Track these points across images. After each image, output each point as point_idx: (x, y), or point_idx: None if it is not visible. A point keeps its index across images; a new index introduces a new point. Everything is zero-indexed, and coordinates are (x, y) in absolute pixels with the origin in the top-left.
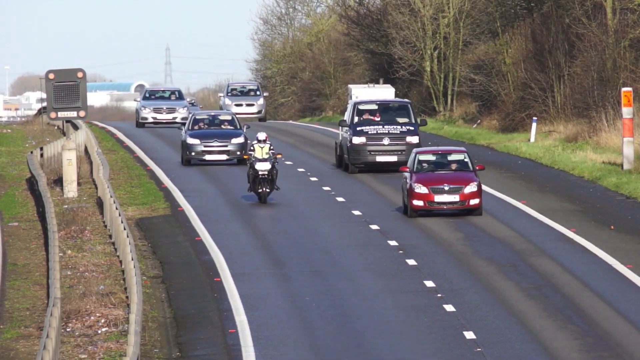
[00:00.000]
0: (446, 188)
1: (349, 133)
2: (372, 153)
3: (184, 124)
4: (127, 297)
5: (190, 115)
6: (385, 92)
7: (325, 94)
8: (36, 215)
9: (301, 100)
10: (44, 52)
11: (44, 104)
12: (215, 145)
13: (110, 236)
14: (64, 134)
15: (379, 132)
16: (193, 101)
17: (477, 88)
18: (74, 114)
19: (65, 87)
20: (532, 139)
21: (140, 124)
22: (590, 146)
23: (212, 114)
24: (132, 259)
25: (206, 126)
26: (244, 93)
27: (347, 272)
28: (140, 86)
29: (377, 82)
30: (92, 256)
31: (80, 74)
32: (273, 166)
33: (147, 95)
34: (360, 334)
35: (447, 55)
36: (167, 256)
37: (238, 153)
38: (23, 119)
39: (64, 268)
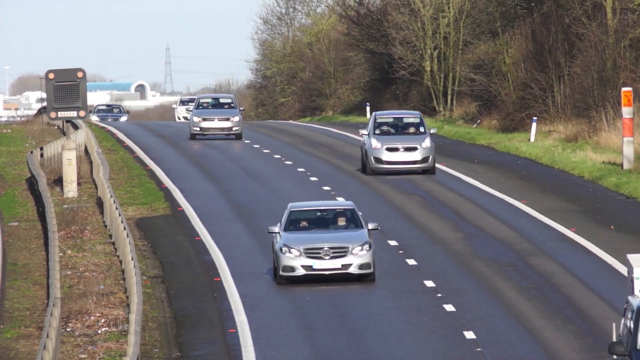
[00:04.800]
0: None
1: None
2: None
3: None
4: (127, 297)
5: None
6: None
7: (325, 94)
8: (36, 215)
9: (301, 100)
10: (44, 52)
11: (44, 103)
12: None
13: (110, 236)
14: (64, 133)
15: None
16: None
17: (477, 88)
18: (74, 114)
19: (65, 87)
20: (532, 139)
21: (285, 278)
22: (590, 146)
23: None
24: (132, 259)
25: None
26: (401, 129)
27: None
28: (141, 86)
29: None
30: (92, 256)
31: (80, 74)
32: None
33: (293, 219)
34: (360, 334)
35: (447, 55)
36: (167, 256)
37: None
38: (23, 119)
39: (64, 268)
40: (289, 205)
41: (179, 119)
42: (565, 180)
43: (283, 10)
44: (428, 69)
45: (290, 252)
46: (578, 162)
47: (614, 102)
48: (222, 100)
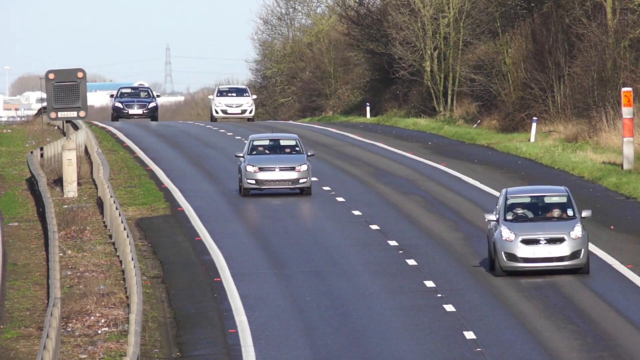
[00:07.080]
0: None
1: None
2: None
3: None
4: (127, 297)
5: None
6: None
7: (325, 94)
8: (36, 215)
9: (301, 100)
10: (44, 52)
11: (44, 104)
12: None
13: (110, 236)
14: (64, 134)
15: None
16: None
17: (477, 88)
18: (74, 114)
19: (65, 87)
20: (532, 139)
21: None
22: (590, 146)
23: None
24: (132, 259)
25: None
26: (541, 212)
27: (347, 272)
28: (140, 86)
29: None
30: (92, 256)
31: (80, 74)
32: None
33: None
34: (360, 334)
35: (447, 55)
36: (167, 256)
37: None
38: (23, 119)
39: (64, 268)
40: None
41: (217, 113)
42: (565, 180)
43: (283, 11)
44: (428, 69)
45: None
46: (578, 162)
47: (614, 102)
48: (283, 143)
